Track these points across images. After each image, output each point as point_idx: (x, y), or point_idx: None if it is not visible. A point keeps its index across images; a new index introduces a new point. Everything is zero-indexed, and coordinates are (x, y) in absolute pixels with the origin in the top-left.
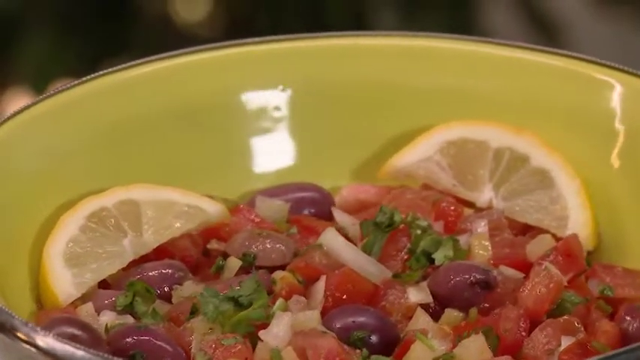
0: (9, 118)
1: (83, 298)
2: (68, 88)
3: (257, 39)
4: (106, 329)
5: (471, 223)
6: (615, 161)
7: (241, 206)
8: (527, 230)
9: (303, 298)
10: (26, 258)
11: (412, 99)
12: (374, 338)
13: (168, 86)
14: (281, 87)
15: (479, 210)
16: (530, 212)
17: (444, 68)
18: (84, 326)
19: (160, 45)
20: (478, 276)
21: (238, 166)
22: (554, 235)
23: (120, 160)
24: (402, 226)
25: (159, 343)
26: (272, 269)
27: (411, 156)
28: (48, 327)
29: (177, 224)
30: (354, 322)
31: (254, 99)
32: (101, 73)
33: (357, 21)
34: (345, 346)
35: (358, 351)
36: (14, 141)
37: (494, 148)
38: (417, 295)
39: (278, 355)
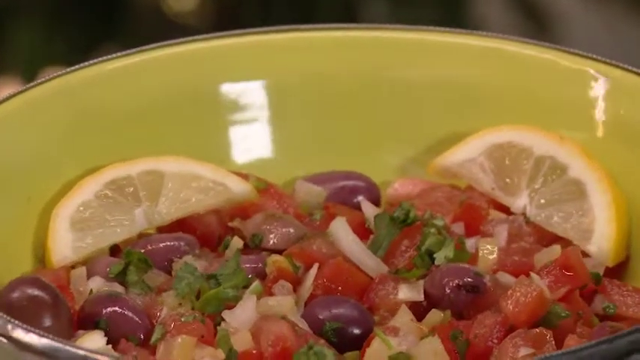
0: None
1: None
2: (48, 80)
3: (242, 30)
4: (90, 295)
5: (493, 228)
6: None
7: (272, 188)
8: (558, 240)
9: (288, 284)
10: (38, 219)
11: (400, 93)
12: (347, 331)
13: (150, 78)
14: (262, 79)
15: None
16: (559, 222)
17: (433, 61)
18: (46, 288)
19: (150, 34)
20: (466, 279)
21: (217, 157)
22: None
23: (100, 149)
24: (418, 223)
25: (125, 312)
26: (281, 252)
27: (457, 155)
28: (10, 287)
29: (196, 199)
30: (329, 312)
31: (234, 91)
32: (88, 63)
33: (347, 12)
34: (309, 336)
35: (322, 341)
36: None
37: (537, 155)
38: (407, 292)
39: (225, 337)
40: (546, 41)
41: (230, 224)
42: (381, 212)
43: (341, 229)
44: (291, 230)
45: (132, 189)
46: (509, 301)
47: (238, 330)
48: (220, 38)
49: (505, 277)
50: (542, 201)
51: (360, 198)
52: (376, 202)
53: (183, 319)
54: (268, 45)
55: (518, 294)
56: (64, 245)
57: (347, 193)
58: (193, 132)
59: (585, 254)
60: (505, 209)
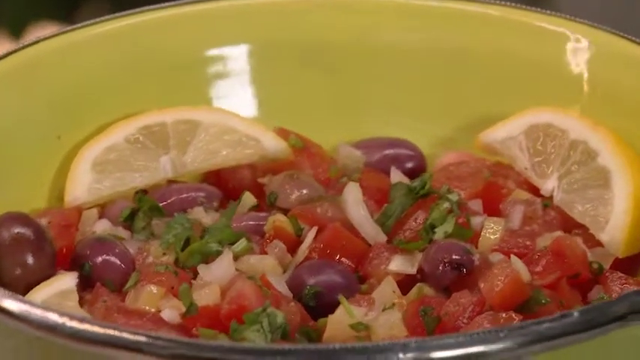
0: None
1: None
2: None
3: None
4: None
5: (509, 208)
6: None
7: (311, 148)
8: (580, 226)
9: (281, 245)
10: (65, 158)
11: (377, 58)
12: (325, 296)
13: (133, 43)
14: (245, 44)
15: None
16: (579, 208)
17: (413, 24)
18: (30, 225)
19: None
20: (454, 257)
21: None
22: (592, 235)
23: (85, 114)
24: (434, 196)
25: (108, 257)
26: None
27: (500, 132)
28: None
29: (226, 152)
30: (312, 277)
31: (218, 56)
32: (69, 28)
33: None
34: (282, 298)
35: (293, 304)
36: None
37: (572, 139)
38: (398, 264)
39: (186, 290)
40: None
41: (259, 180)
42: (399, 182)
43: (351, 194)
44: (304, 191)
45: (164, 136)
46: (485, 282)
47: (208, 284)
48: (199, 3)
49: (498, 258)
50: (569, 186)
51: (392, 167)
52: (422, 171)
53: (156, 269)
54: (249, 10)
55: (494, 275)
56: (80, 186)
57: (390, 161)
58: (177, 95)
59: (599, 243)
60: (535, 190)
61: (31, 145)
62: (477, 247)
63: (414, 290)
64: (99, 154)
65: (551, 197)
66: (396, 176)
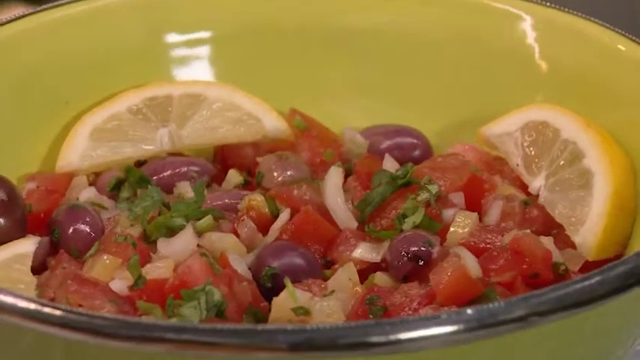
0: None
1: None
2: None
3: None
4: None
5: (490, 203)
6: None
7: (314, 130)
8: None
9: (251, 224)
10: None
11: (339, 40)
12: (281, 278)
13: (90, 28)
14: (207, 29)
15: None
16: (560, 208)
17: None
18: (3, 188)
19: None
20: (412, 248)
21: None
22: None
23: (39, 105)
24: (415, 185)
25: (77, 226)
26: None
27: (498, 127)
28: None
29: (225, 129)
30: (272, 258)
31: (179, 41)
32: (26, 13)
33: None
34: (234, 276)
35: (245, 284)
36: None
37: (563, 138)
38: (362, 251)
39: (136, 263)
40: None
41: (258, 159)
42: (383, 169)
43: (330, 179)
44: (289, 173)
45: (166, 109)
46: (434, 275)
47: (164, 258)
48: None
49: (463, 252)
50: (554, 185)
51: (386, 154)
52: (429, 154)
53: (115, 240)
54: None
55: (442, 269)
56: (74, 152)
57: (393, 148)
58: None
59: (573, 245)
60: (524, 187)
61: (38, 107)
62: (445, 240)
63: (373, 278)
64: (100, 122)
65: (537, 196)
66: (388, 163)
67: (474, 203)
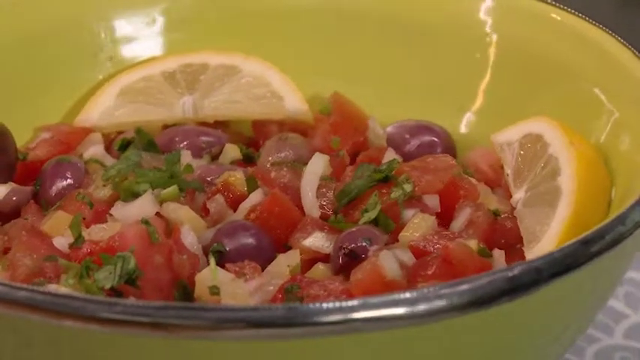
0: None
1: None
2: None
3: None
4: (85, 160)
5: (459, 209)
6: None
7: (334, 116)
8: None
9: (221, 200)
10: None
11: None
12: (224, 255)
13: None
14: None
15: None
16: (525, 223)
17: None
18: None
19: None
20: (349, 244)
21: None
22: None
23: (76, 56)
24: (392, 182)
25: (57, 179)
26: None
27: (504, 136)
28: None
29: (245, 104)
30: (222, 235)
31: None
32: None
33: None
34: (174, 247)
35: (185, 257)
36: None
37: (549, 154)
38: (313, 241)
39: (77, 223)
40: None
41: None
42: (366, 163)
43: (311, 165)
44: (282, 154)
45: (199, 77)
46: (354, 273)
47: (116, 221)
48: None
49: (405, 255)
50: (529, 199)
51: (389, 148)
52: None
53: (76, 198)
54: None
55: (361, 267)
56: (97, 108)
57: (414, 145)
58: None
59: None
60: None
61: (81, 59)
62: (397, 241)
63: (315, 270)
64: (130, 82)
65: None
66: (390, 156)
67: (450, 208)
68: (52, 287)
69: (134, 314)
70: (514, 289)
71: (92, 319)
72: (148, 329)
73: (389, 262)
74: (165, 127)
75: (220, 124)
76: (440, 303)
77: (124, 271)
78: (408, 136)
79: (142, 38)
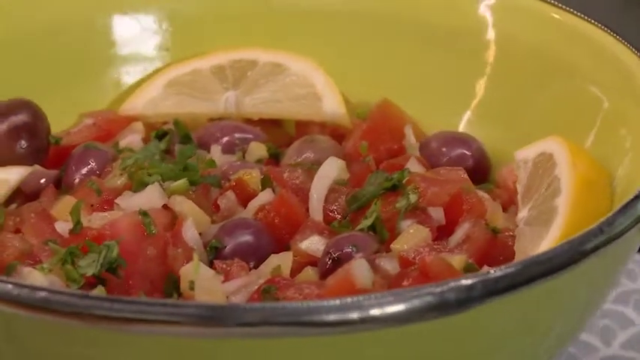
0: None
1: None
2: None
3: None
4: (117, 149)
5: (460, 224)
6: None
7: (371, 122)
8: None
9: (232, 196)
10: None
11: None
12: (220, 252)
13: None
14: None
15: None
16: (521, 241)
17: None
18: (31, 113)
19: None
20: (335, 250)
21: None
22: None
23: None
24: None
25: (79, 165)
26: None
27: (524, 153)
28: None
29: (284, 104)
30: (222, 231)
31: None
32: None
33: None
34: (170, 239)
35: (180, 250)
36: None
37: (554, 174)
38: (308, 244)
39: (77, 210)
40: None
41: None
42: (380, 171)
43: (324, 168)
44: (304, 155)
45: (247, 73)
46: (329, 279)
47: (120, 210)
48: None
49: (391, 263)
50: (529, 219)
51: (412, 157)
52: (481, 170)
53: (87, 185)
54: None
55: (335, 274)
56: (143, 98)
57: (445, 158)
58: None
59: None
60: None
61: (137, 51)
62: (389, 250)
63: (304, 273)
64: (179, 75)
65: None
66: (413, 166)
67: (454, 221)
68: (26, 270)
69: (57, 303)
70: (440, 306)
71: (20, 305)
72: (68, 318)
73: (361, 270)
74: (211, 120)
75: (270, 122)
76: (375, 312)
77: (107, 260)
78: (440, 146)
79: (194, 33)
